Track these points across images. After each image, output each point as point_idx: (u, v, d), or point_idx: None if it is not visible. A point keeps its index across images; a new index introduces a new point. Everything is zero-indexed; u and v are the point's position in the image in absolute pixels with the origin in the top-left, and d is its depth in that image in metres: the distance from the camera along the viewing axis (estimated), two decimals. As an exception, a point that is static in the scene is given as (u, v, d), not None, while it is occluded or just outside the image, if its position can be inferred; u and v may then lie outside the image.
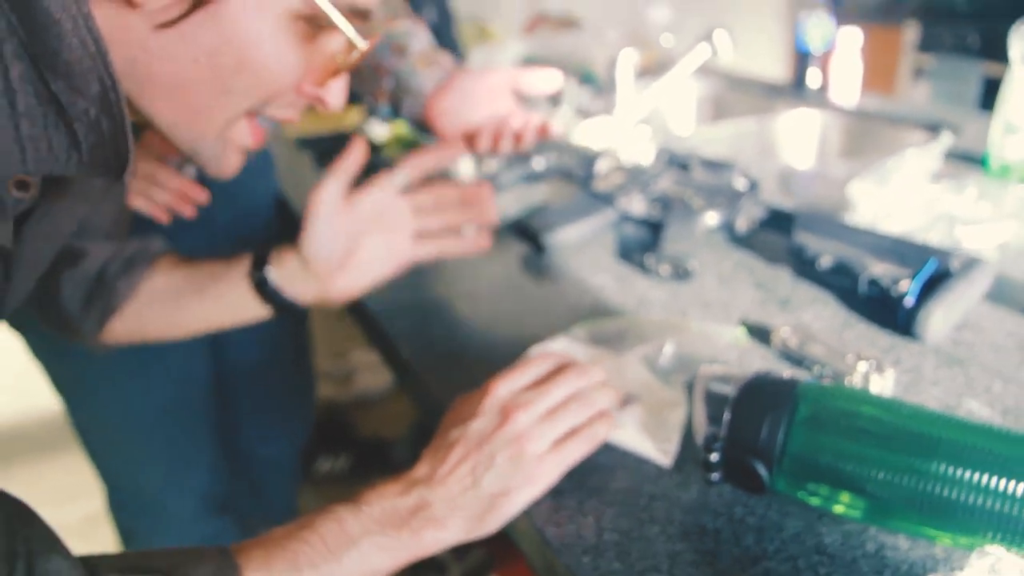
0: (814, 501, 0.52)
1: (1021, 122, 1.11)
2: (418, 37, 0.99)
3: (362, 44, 0.51)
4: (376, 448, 2.03)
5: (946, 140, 1.10)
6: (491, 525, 0.53)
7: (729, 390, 0.53)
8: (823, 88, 1.70)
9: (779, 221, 0.92)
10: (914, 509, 0.47)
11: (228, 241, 1.09)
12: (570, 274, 0.90)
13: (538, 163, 1.15)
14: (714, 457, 0.51)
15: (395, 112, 1.02)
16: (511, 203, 1.10)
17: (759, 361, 0.70)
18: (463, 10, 2.12)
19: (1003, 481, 0.45)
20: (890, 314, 0.74)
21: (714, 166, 1.00)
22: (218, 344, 1.23)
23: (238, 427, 1.35)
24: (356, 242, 0.73)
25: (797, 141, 1.60)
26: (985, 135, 1.15)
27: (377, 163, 1.32)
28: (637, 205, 0.97)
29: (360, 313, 0.88)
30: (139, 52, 0.47)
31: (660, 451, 0.57)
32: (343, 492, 0.53)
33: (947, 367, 0.68)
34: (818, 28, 1.68)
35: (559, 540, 0.51)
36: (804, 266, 0.84)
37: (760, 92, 1.79)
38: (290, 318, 1.34)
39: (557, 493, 0.55)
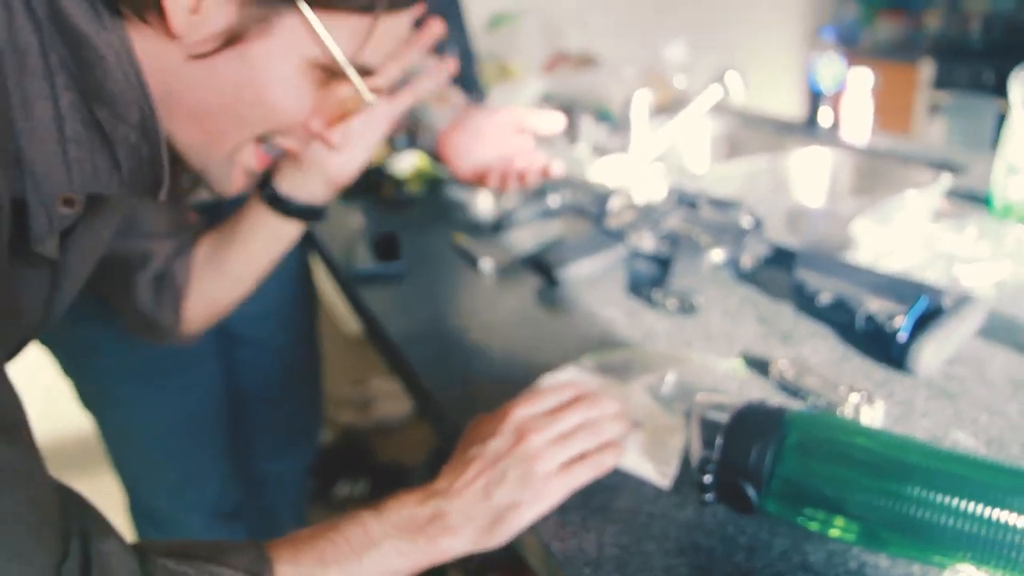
0: (813, 526, 0.55)
1: (1022, 163, 1.15)
2: (431, 74, 1.05)
3: (369, 97, 0.56)
4: (394, 474, 2.08)
5: (946, 181, 1.14)
6: (501, 536, 0.57)
7: (722, 417, 0.57)
8: (835, 127, 1.75)
9: (782, 258, 0.96)
10: (891, 530, 0.51)
11: None
12: (581, 307, 0.94)
13: (554, 200, 1.21)
14: (708, 479, 0.56)
15: (411, 142, 1.09)
16: (527, 238, 1.16)
17: (757, 391, 0.74)
18: (485, 49, 2.20)
19: (972, 504, 0.49)
20: (885, 348, 0.78)
21: (721, 205, 1.04)
22: (232, 363, 1.29)
23: (248, 443, 1.40)
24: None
25: (809, 179, 1.64)
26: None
27: (400, 198, 1.38)
28: (647, 242, 1.01)
29: (381, 341, 0.93)
30: (172, 79, 0.52)
31: (660, 473, 0.62)
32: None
33: (937, 399, 0.72)
34: (829, 68, 1.74)
35: (563, 553, 0.55)
36: (805, 302, 0.88)
37: (773, 130, 1.83)
38: (302, 339, 1.40)
39: (563, 510, 0.59)
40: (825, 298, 0.85)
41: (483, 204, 1.33)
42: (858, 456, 0.53)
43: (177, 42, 0.50)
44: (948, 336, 0.76)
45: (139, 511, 1.26)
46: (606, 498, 0.60)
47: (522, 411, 0.62)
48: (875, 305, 0.81)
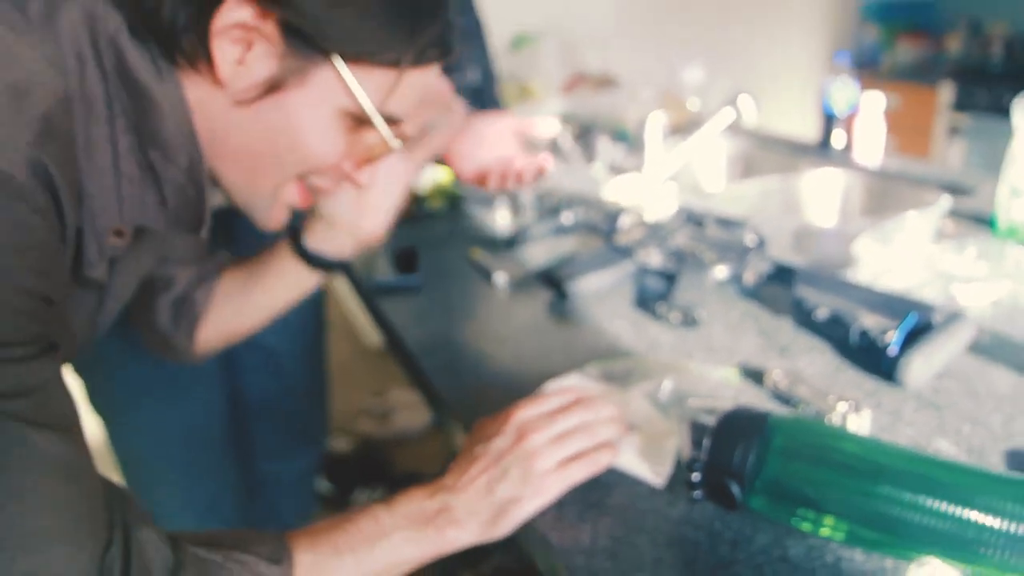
0: (806, 526, 0.59)
1: (1024, 186, 1.18)
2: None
3: (395, 144, 0.61)
4: (411, 484, 2.11)
5: (945, 203, 1.17)
6: (503, 528, 0.61)
7: (710, 420, 0.61)
8: (848, 149, 1.78)
9: (784, 275, 1.00)
10: (863, 526, 0.55)
11: None
12: (590, 319, 0.99)
13: (567, 217, 1.26)
14: (695, 477, 0.60)
15: None
16: (541, 253, 1.20)
17: (751, 399, 0.77)
18: (506, 69, 2.26)
19: (938, 503, 0.52)
20: (876, 362, 0.81)
21: (727, 223, 1.08)
22: (238, 369, 1.33)
23: (252, 447, 1.44)
24: (363, 190, 0.81)
25: (820, 199, 1.68)
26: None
27: (419, 213, 1.44)
28: (654, 258, 1.06)
29: (399, 350, 0.98)
30: (218, 123, 0.59)
31: (654, 473, 0.66)
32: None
33: (924, 410, 0.75)
34: (842, 92, 1.77)
35: (560, 543, 0.59)
36: (803, 317, 0.92)
37: (788, 151, 1.87)
38: (308, 347, 1.44)
39: (561, 504, 0.63)
40: (822, 313, 0.89)
41: (500, 220, 1.38)
42: (835, 457, 0.57)
43: (224, 90, 0.57)
44: (936, 351, 0.80)
45: None
46: (602, 494, 0.65)
47: (523, 413, 0.66)
48: (869, 321, 0.85)
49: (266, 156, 0.61)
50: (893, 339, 0.80)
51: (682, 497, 0.64)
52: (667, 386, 0.75)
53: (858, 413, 0.72)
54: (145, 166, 0.58)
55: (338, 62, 0.56)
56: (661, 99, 2.01)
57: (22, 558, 0.48)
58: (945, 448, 0.69)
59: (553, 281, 1.04)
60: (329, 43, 0.56)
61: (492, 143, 1.14)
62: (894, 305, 0.87)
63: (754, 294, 1.02)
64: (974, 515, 0.51)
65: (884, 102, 1.76)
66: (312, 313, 1.45)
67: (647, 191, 1.47)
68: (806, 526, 0.58)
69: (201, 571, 0.54)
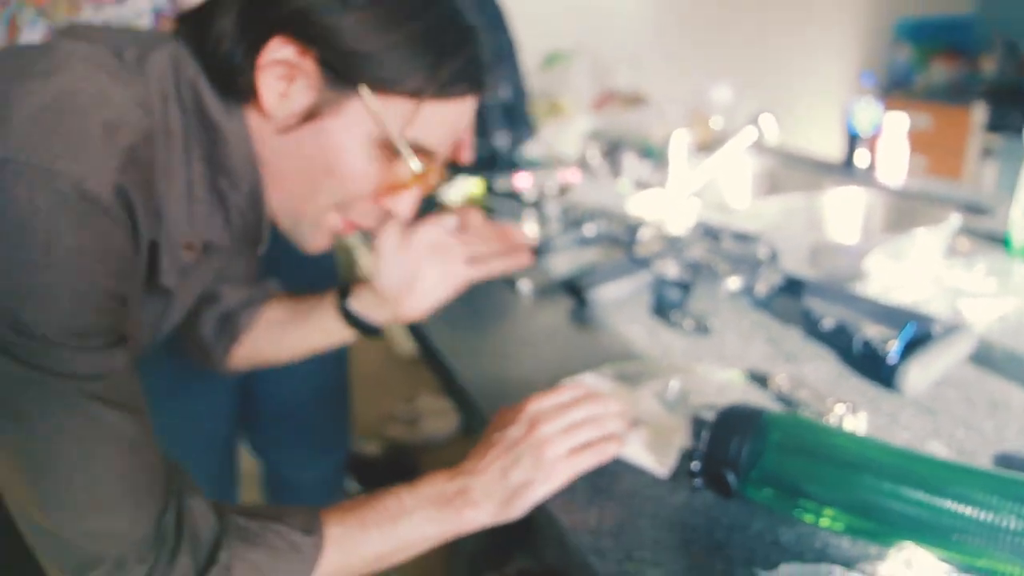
0: (808, 518, 0.63)
1: (1037, 206, 1.21)
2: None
3: (416, 166, 0.67)
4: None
5: (956, 221, 1.21)
6: (516, 510, 0.67)
7: (710, 414, 0.66)
8: (871, 168, 1.82)
9: (795, 288, 1.05)
10: (850, 513, 0.59)
11: None
12: (608, 325, 1.04)
13: (590, 229, 1.31)
14: (695, 466, 0.65)
15: None
16: (564, 263, 1.26)
17: (754, 400, 0.82)
18: (537, 86, 2.33)
19: (916, 492, 0.57)
20: (877, 369, 0.86)
21: (742, 238, 1.13)
22: (256, 378, 1.36)
23: (274, 456, 1.49)
24: (416, 272, 0.87)
25: (842, 217, 1.71)
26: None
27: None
28: (671, 268, 1.11)
29: (428, 353, 1.04)
30: (264, 149, 0.66)
31: (659, 464, 0.71)
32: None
33: (920, 415, 0.80)
34: (866, 112, 1.81)
35: (569, 524, 0.65)
36: (811, 327, 0.97)
37: (811, 169, 1.91)
38: (330, 355, 1.48)
39: (572, 490, 0.69)
40: (828, 323, 0.94)
41: (527, 231, 1.43)
42: (824, 451, 0.62)
43: (269, 120, 0.63)
44: (935, 360, 0.84)
45: None
46: (610, 481, 0.70)
47: (537, 404, 0.72)
48: (872, 331, 0.89)
49: (305, 179, 0.67)
50: (893, 348, 0.85)
51: (684, 487, 0.69)
52: (674, 386, 0.80)
53: (855, 415, 0.76)
54: (214, 191, 0.66)
55: (365, 91, 0.63)
56: (687, 117, 2.06)
57: (91, 517, 0.55)
58: (937, 450, 0.74)
59: (574, 289, 1.10)
60: (357, 74, 0.63)
61: None
62: (897, 316, 0.91)
63: (765, 305, 1.06)
64: (948, 504, 0.56)
65: (908, 122, 1.79)
66: None
67: (670, 206, 1.52)
68: (808, 517, 0.63)
69: (242, 537, 0.61)
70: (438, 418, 2.45)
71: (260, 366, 0.95)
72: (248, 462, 1.55)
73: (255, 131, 0.65)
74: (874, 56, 3.74)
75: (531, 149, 1.88)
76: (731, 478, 0.63)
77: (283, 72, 0.63)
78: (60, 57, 0.59)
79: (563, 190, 1.59)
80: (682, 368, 0.86)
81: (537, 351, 0.98)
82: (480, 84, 0.68)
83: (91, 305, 0.54)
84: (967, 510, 0.55)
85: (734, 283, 1.05)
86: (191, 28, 0.64)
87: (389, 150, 0.66)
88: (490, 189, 1.59)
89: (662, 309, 1.07)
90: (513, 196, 1.56)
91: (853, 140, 1.85)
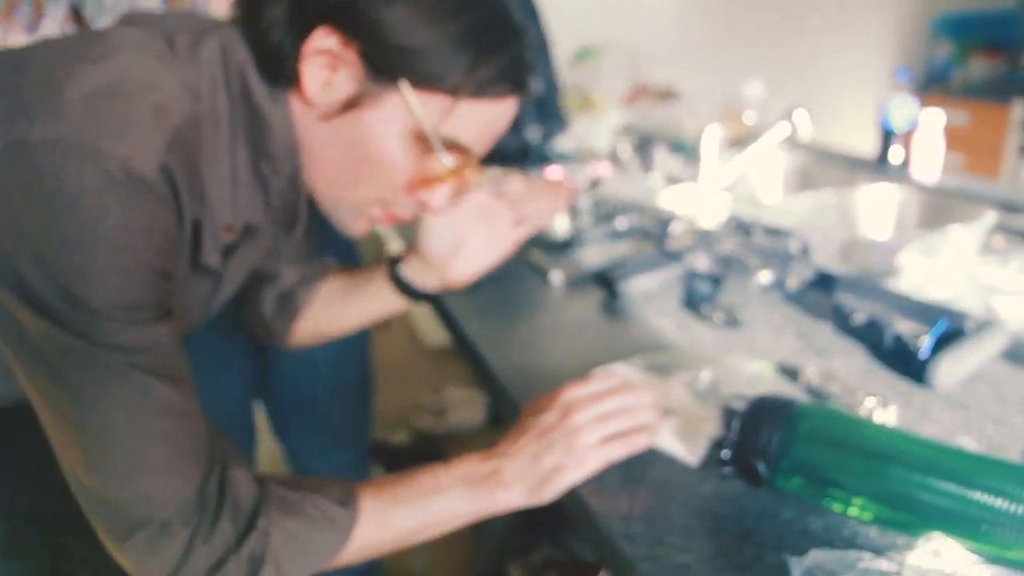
0: (837, 507, 0.64)
1: (1074, 205, 1.20)
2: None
3: (448, 161, 0.68)
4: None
5: (991, 218, 1.20)
6: (547, 495, 0.69)
7: (740, 404, 0.67)
8: (905, 164, 1.80)
9: (826, 282, 1.05)
10: (880, 503, 0.60)
11: None
12: (638, 317, 1.05)
13: (622, 223, 1.32)
14: (725, 455, 0.66)
15: None
16: (596, 255, 1.27)
17: (785, 392, 0.83)
18: (569, 80, 2.33)
19: (945, 484, 0.57)
20: (908, 364, 0.86)
21: (773, 232, 1.14)
22: (276, 373, 1.40)
23: (295, 446, 1.52)
24: (463, 237, 0.88)
25: (875, 213, 1.70)
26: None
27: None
28: (702, 262, 1.12)
29: (461, 342, 1.06)
30: (306, 135, 0.68)
31: (690, 453, 0.72)
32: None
33: (951, 410, 0.80)
34: (901, 109, 1.80)
35: (601, 510, 0.66)
36: (842, 322, 0.97)
37: (845, 165, 1.90)
38: (350, 350, 1.50)
39: (603, 477, 0.70)
40: (859, 318, 0.94)
41: (558, 224, 1.45)
42: (854, 441, 0.62)
43: (312, 108, 0.65)
44: (966, 356, 0.84)
45: None
46: (641, 469, 0.71)
47: (571, 393, 0.73)
48: (903, 326, 0.90)
49: (344, 166, 0.69)
50: (924, 343, 0.85)
51: (714, 475, 0.70)
52: (705, 376, 0.81)
53: (885, 408, 0.77)
54: (257, 175, 0.68)
55: (404, 85, 0.64)
56: (720, 112, 2.06)
57: (138, 481, 0.58)
58: (967, 444, 0.74)
59: (605, 281, 1.11)
60: (398, 68, 0.64)
61: None
62: (928, 312, 0.91)
63: (796, 299, 1.07)
64: (978, 495, 0.56)
65: (943, 119, 1.77)
66: None
67: (701, 201, 1.53)
68: (837, 507, 0.63)
69: (281, 506, 0.63)
70: (465, 408, 2.47)
71: (323, 340, 0.98)
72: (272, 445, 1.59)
73: (297, 117, 0.67)
74: (911, 52, 3.69)
75: (563, 143, 1.89)
76: (761, 467, 0.64)
77: (326, 61, 0.64)
78: (112, 44, 0.61)
79: (594, 184, 1.60)
80: (712, 359, 0.87)
81: (568, 342, 1.00)
82: (522, 85, 0.69)
83: (137, 280, 0.57)
84: (997, 502, 0.56)
85: (765, 277, 1.06)
86: (244, 14, 0.66)
87: (425, 144, 0.68)
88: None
89: (693, 302, 1.08)
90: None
91: (888, 136, 1.83)
